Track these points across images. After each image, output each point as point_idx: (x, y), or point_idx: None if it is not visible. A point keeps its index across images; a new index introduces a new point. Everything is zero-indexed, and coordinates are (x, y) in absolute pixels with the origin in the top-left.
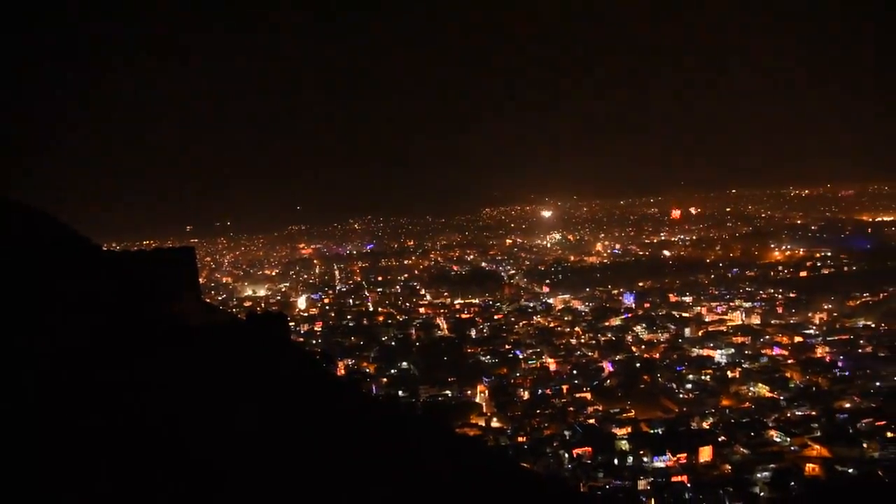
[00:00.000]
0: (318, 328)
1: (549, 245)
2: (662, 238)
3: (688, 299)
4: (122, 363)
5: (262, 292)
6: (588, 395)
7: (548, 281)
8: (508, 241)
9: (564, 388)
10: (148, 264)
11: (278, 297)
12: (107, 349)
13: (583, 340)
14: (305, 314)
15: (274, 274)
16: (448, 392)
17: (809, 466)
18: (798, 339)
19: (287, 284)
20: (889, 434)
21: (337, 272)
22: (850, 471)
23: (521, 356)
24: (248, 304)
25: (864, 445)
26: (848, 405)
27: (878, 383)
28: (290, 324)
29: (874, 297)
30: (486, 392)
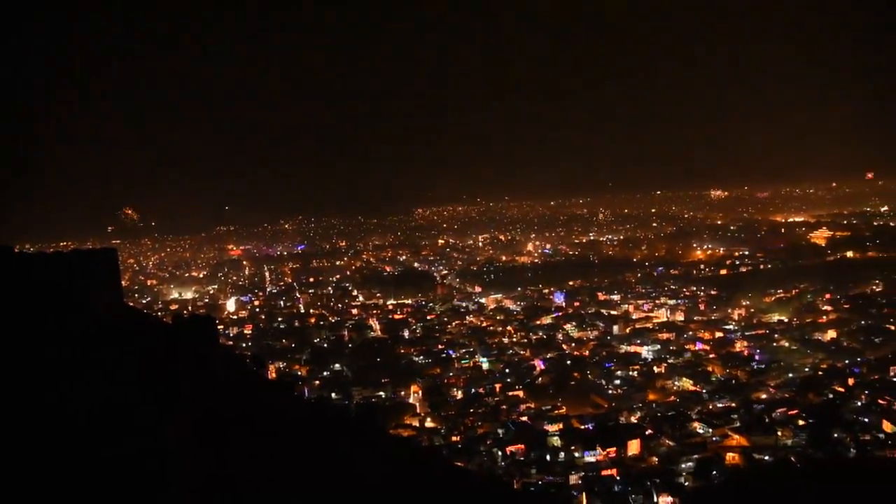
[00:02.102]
0: (248, 331)
1: (481, 245)
2: (591, 238)
3: (616, 297)
4: (36, 370)
5: (189, 295)
6: (520, 393)
7: (480, 281)
8: (441, 241)
9: (497, 386)
10: (66, 267)
11: (206, 300)
12: (20, 356)
13: (515, 339)
14: (235, 317)
15: (201, 276)
16: (381, 393)
17: (730, 455)
18: (719, 334)
19: (215, 286)
20: (801, 422)
21: (267, 273)
22: (767, 458)
23: (454, 356)
24: (174, 307)
25: (779, 434)
26: (764, 396)
27: (790, 374)
28: (219, 327)
29: (787, 293)
30: (420, 392)
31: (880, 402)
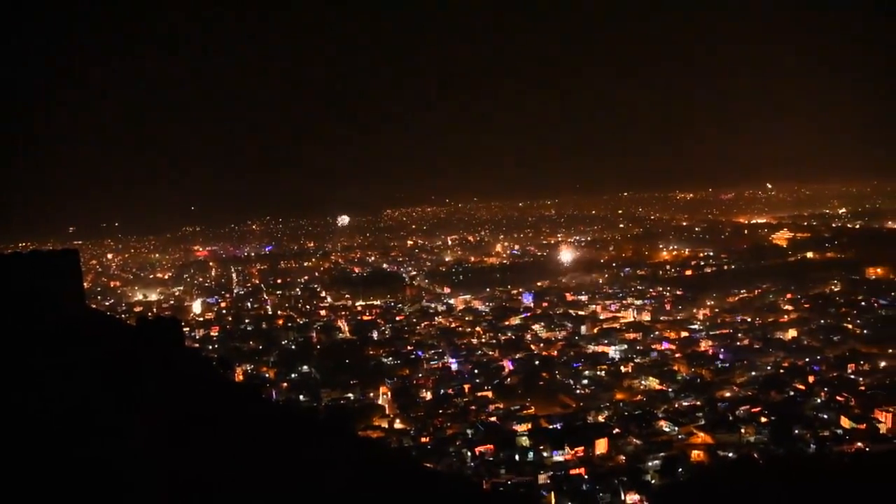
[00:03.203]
0: (214, 333)
1: (449, 246)
2: (559, 239)
3: (583, 298)
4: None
5: (153, 296)
6: (489, 394)
7: (449, 282)
8: (409, 242)
9: (466, 387)
10: (25, 268)
11: (171, 302)
12: None
13: (483, 340)
14: (201, 319)
15: (167, 277)
16: (350, 395)
17: (695, 453)
18: (684, 333)
19: (181, 288)
20: (763, 419)
21: (234, 275)
22: (731, 455)
23: (423, 357)
24: (138, 309)
25: (742, 431)
26: (728, 394)
27: (753, 373)
28: (185, 329)
29: (750, 293)
30: (389, 394)
31: (838, 398)
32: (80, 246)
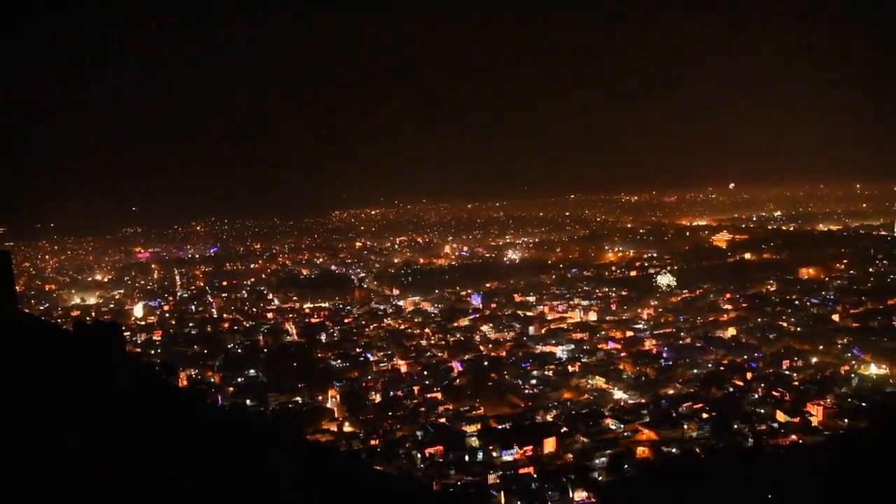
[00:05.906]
0: (157, 337)
1: (398, 247)
2: (508, 240)
3: (531, 299)
4: None
5: (92, 300)
6: (439, 395)
7: (398, 283)
8: (358, 243)
9: (416, 389)
10: None
11: (111, 306)
12: None
13: (433, 341)
14: (143, 323)
15: (106, 280)
16: (298, 398)
17: (640, 449)
18: (629, 333)
19: (121, 291)
20: (704, 415)
21: (178, 277)
22: (674, 450)
23: (371, 359)
24: (75, 313)
25: (685, 427)
26: (671, 391)
27: (695, 370)
28: (126, 333)
29: (692, 293)
30: (338, 396)
31: (774, 394)
32: (11, 248)
